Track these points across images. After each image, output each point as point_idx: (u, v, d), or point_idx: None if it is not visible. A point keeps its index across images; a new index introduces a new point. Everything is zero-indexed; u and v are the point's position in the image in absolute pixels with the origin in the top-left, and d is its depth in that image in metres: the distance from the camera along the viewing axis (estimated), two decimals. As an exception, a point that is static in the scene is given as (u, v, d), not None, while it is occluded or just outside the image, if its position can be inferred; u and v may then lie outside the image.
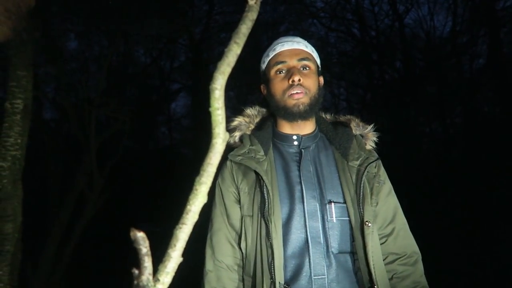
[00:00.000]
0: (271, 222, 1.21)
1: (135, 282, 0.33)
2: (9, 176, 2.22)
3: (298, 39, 1.41)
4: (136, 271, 0.33)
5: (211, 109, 0.32)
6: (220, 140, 0.32)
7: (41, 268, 4.32)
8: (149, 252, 0.32)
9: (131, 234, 0.31)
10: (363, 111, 13.11)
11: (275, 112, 1.39)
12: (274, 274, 1.18)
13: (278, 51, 1.37)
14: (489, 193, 7.09)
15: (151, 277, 0.33)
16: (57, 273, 4.50)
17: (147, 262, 0.32)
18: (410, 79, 11.03)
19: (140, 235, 0.31)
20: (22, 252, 2.40)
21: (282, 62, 1.34)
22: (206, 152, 0.32)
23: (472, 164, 8.71)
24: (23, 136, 2.30)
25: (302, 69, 1.34)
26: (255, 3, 0.33)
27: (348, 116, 1.49)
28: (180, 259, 0.33)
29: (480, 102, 11.39)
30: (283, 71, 1.34)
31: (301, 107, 1.30)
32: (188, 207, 0.33)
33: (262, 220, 1.24)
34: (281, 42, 1.38)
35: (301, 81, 1.29)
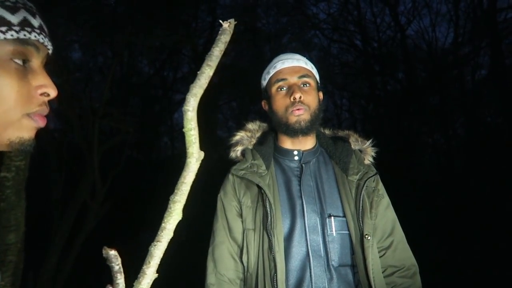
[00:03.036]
0: (273, 236, 1.22)
1: None
2: (13, 186, 2.23)
3: (298, 56, 1.43)
4: None
5: (184, 130, 0.33)
6: (193, 159, 0.33)
7: (42, 278, 4.30)
8: (121, 269, 0.33)
9: (104, 252, 0.32)
10: (365, 122, 13.12)
11: (277, 128, 1.42)
12: None
13: (278, 69, 1.39)
14: (492, 203, 7.05)
15: None
16: (59, 283, 4.47)
17: (120, 279, 0.33)
18: (413, 90, 11.04)
19: (112, 253, 0.32)
20: (24, 262, 2.39)
21: (283, 79, 1.37)
22: (181, 170, 0.33)
23: (474, 175, 8.68)
24: (27, 146, 2.31)
25: (302, 86, 1.36)
26: (229, 26, 0.35)
27: (347, 131, 1.52)
28: (155, 276, 0.33)
29: (483, 113, 11.38)
30: (284, 88, 1.37)
31: (302, 123, 1.32)
32: (163, 224, 0.33)
33: (265, 233, 1.25)
34: (282, 60, 1.41)
35: (302, 98, 1.32)
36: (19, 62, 0.62)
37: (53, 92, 0.66)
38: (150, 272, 0.33)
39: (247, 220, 1.31)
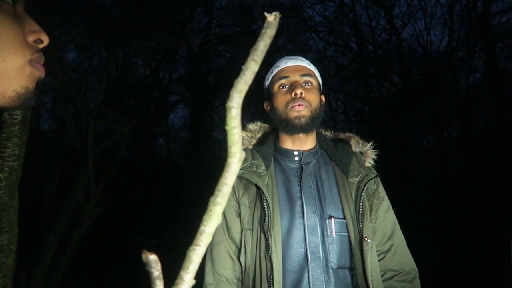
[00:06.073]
0: (270, 236, 1.22)
1: None
2: (6, 187, 2.21)
3: (301, 58, 1.46)
4: None
5: (227, 128, 0.30)
6: (236, 159, 0.31)
7: (35, 281, 4.26)
8: (161, 275, 0.31)
9: (143, 256, 0.30)
10: (360, 124, 13.17)
11: (277, 125, 1.42)
12: None
13: (281, 67, 1.42)
14: (485, 206, 7.09)
15: None
16: (52, 284, 4.44)
17: (159, 286, 0.31)
18: (407, 92, 11.10)
19: (153, 258, 0.30)
20: (16, 264, 2.37)
21: (285, 77, 1.38)
22: (220, 171, 0.31)
23: (468, 177, 8.73)
24: (21, 147, 2.30)
25: (304, 84, 1.37)
26: (274, 19, 0.32)
27: (348, 134, 1.52)
28: (193, 282, 0.32)
29: (477, 115, 11.46)
30: (286, 86, 1.38)
31: (302, 119, 1.32)
32: (202, 228, 0.32)
33: (262, 233, 1.24)
34: (285, 60, 1.44)
35: (303, 95, 1.33)
36: (9, 1, 0.56)
37: (46, 39, 0.61)
38: (188, 279, 0.31)
39: (245, 220, 1.30)
